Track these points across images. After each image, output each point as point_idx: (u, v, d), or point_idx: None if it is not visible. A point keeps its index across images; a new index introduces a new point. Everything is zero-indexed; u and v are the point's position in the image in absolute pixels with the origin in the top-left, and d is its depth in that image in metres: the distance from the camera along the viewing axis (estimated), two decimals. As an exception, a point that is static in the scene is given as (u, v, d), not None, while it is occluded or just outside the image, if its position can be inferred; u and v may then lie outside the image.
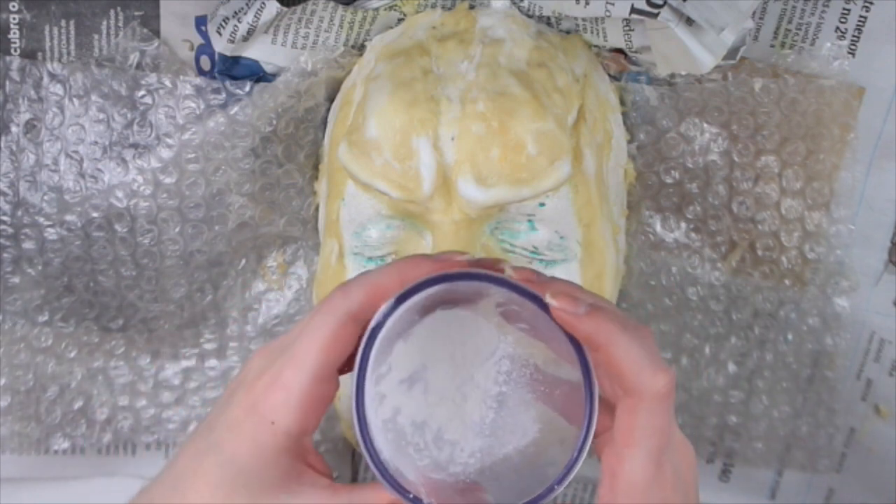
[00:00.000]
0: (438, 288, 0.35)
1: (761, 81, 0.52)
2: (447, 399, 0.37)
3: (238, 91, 0.53)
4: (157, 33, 0.53)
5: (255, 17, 0.49)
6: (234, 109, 0.52)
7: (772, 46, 0.52)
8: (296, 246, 0.58)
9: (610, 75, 0.53)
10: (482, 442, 0.37)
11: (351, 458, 0.63)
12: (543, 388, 0.37)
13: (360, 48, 0.53)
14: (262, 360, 0.38)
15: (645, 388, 0.35)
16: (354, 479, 0.64)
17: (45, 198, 0.54)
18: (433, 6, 0.51)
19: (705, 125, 0.53)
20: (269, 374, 0.37)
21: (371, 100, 0.47)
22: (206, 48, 0.53)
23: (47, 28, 0.53)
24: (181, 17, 0.53)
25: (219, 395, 0.60)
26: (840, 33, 0.51)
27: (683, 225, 0.56)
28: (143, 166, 0.54)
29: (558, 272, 0.48)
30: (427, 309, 0.37)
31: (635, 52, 0.51)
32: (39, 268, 0.55)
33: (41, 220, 0.55)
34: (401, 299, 0.35)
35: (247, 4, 0.49)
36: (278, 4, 0.48)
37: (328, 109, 0.54)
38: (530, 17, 0.51)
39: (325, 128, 0.55)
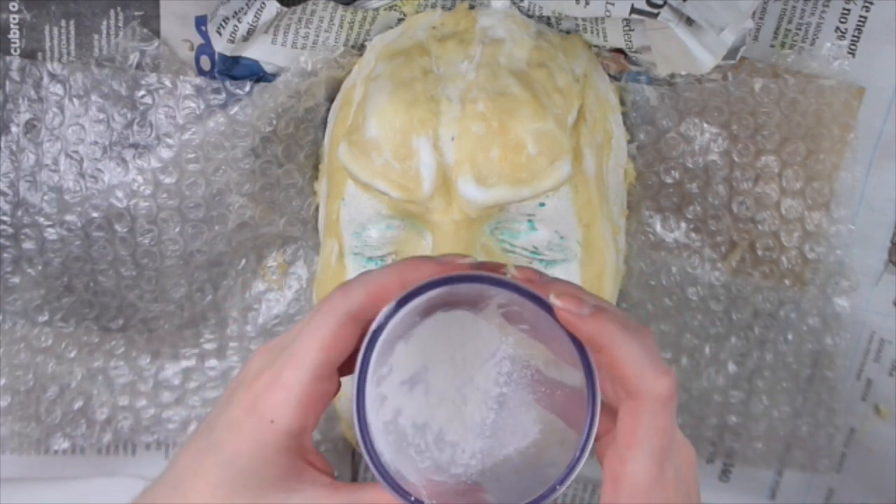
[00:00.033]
0: (440, 290, 0.35)
1: (761, 81, 0.52)
2: (448, 400, 0.37)
3: (238, 91, 0.53)
4: (157, 33, 0.53)
5: (255, 17, 0.49)
6: (234, 109, 0.52)
7: (772, 46, 0.52)
8: (296, 246, 0.58)
9: (610, 75, 0.53)
10: (483, 443, 0.37)
11: (351, 458, 0.63)
12: (544, 389, 0.37)
13: (360, 48, 0.53)
14: (262, 359, 0.38)
15: (648, 391, 0.35)
16: (354, 479, 0.64)
17: (45, 198, 0.54)
18: (433, 6, 0.51)
19: (705, 125, 0.53)
20: (269, 374, 0.37)
21: (371, 100, 0.47)
22: (206, 48, 0.53)
23: (47, 28, 0.53)
24: (181, 17, 0.53)
25: (219, 395, 0.60)
26: (840, 33, 0.51)
27: (683, 225, 0.56)
28: (143, 166, 0.54)
29: (558, 272, 0.48)
30: (428, 310, 0.37)
31: (635, 52, 0.51)
32: (39, 268, 0.55)
33: (41, 220, 0.55)
34: (402, 302, 0.35)
35: (247, 4, 0.49)
36: (278, 4, 0.48)
37: (328, 109, 0.54)
38: (530, 17, 0.51)
39: (325, 128, 0.55)
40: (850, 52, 0.52)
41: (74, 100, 0.54)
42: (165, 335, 0.58)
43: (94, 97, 0.53)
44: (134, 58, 0.53)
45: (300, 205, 0.56)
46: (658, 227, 0.56)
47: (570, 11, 0.48)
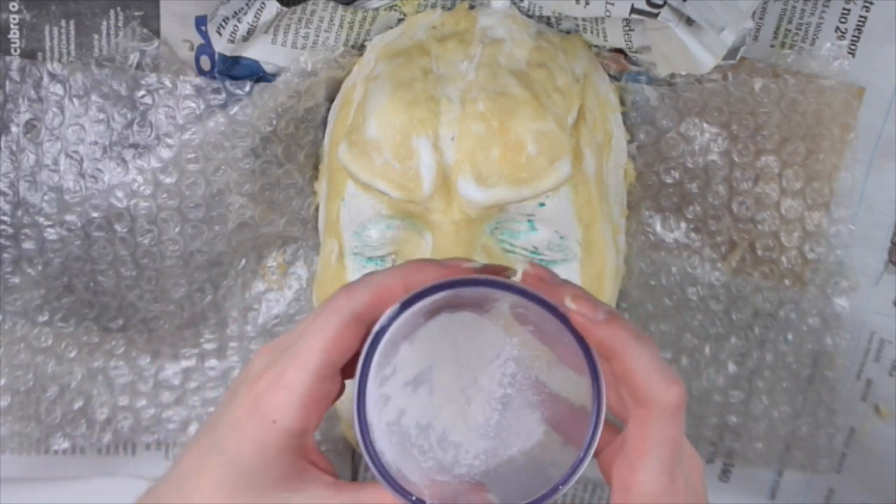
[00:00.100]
0: (444, 294, 0.35)
1: (761, 81, 0.52)
2: (452, 401, 0.37)
3: (238, 91, 0.53)
4: (157, 33, 0.53)
5: (255, 17, 0.49)
6: (234, 109, 0.52)
7: (772, 46, 0.52)
8: (296, 246, 0.58)
9: (610, 75, 0.53)
10: (487, 444, 0.37)
11: (351, 458, 0.63)
12: (548, 391, 0.37)
13: (360, 48, 0.53)
14: (265, 358, 0.38)
15: (658, 399, 0.35)
16: (354, 478, 0.64)
17: (45, 198, 0.54)
18: (433, 6, 0.51)
19: (705, 125, 0.53)
20: (272, 374, 0.37)
21: (371, 100, 0.47)
22: (206, 48, 0.53)
23: (47, 28, 0.53)
24: (181, 17, 0.53)
25: (219, 395, 0.60)
26: (840, 33, 0.51)
27: (683, 225, 0.56)
28: (143, 166, 0.54)
29: (558, 272, 0.48)
30: (433, 312, 0.37)
31: (635, 52, 0.51)
32: (39, 268, 0.55)
33: (41, 220, 0.55)
34: (406, 305, 0.35)
35: (247, 4, 0.49)
36: (278, 4, 0.48)
37: (328, 109, 0.54)
38: (530, 17, 0.51)
39: (325, 128, 0.55)
40: (850, 52, 0.52)
41: (74, 100, 0.54)
42: (165, 335, 0.58)
43: (94, 97, 0.53)
44: (134, 58, 0.53)
45: (300, 205, 0.56)
46: (658, 227, 0.56)
47: (570, 11, 0.48)
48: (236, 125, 0.53)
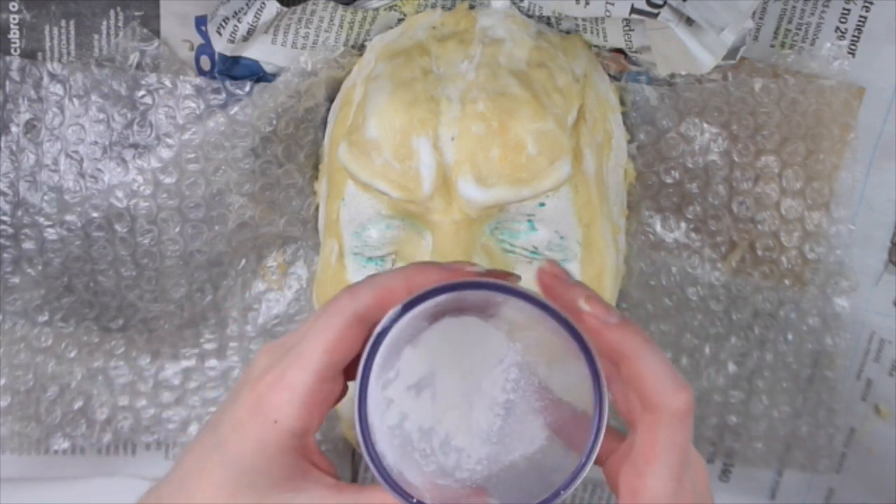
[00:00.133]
0: (447, 297, 0.35)
1: (761, 81, 0.52)
2: (455, 406, 0.37)
3: (238, 91, 0.53)
4: (157, 33, 0.53)
5: (255, 17, 0.49)
6: (234, 109, 0.52)
7: (772, 46, 0.52)
8: (296, 246, 0.58)
9: (610, 75, 0.53)
10: (489, 449, 0.37)
11: (351, 458, 0.63)
12: (552, 396, 0.37)
13: (360, 48, 0.53)
14: (267, 358, 0.38)
15: (667, 405, 0.35)
16: (354, 479, 0.64)
17: (45, 198, 0.54)
18: (433, 6, 0.51)
19: (705, 125, 0.53)
20: (274, 373, 0.37)
21: (371, 100, 0.47)
22: (206, 48, 0.53)
23: (47, 28, 0.53)
24: (181, 17, 0.53)
25: (219, 395, 0.60)
26: (840, 33, 0.51)
27: (683, 225, 0.56)
28: (143, 166, 0.54)
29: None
30: (436, 315, 0.37)
31: (635, 52, 0.51)
32: (39, 268, 0.55)
33: (41, 220, 0.55)
34: (407, 306, 0.35)
35: (247, 4, 0.49)
36: (278, 4, 0.48)
37: (328, 109, 0.54)
38: (530, 17, 0.51)
39: (325, 128, 0.55)
40: (850, 52, 0.52)
41: (74, 100, 0.54)
42: (165, 335, 0.58)
43: (94, 97, 0.53)
44: (134, 58, 0.53)
45: (300, 205, 0.56)
46: (658, 227, 0.56)
47: (570, 11, 0.48)
48: (236, 125, 0.53)
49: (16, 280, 0.56)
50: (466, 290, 0.35)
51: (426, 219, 0.47)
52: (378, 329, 0.35)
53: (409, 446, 0.37)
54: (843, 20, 0.51)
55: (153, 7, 0.53)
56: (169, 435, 0.61)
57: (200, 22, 0.52)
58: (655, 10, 0.44)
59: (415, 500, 0.34)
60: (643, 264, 0.56)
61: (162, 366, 0.59)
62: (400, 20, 0.52)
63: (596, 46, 0.52)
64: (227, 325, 0.59)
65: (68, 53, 0.53)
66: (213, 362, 0.60)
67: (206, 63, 0.53)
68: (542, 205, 0.47)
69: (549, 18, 0.51)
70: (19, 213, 0.55)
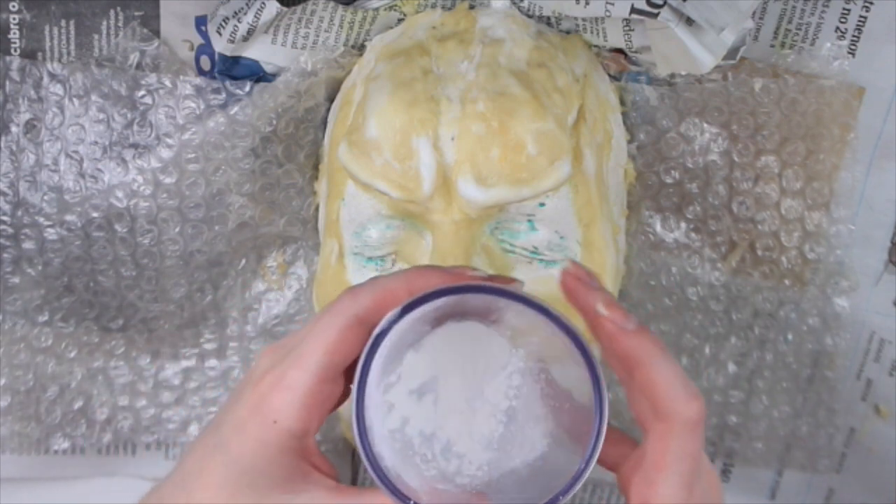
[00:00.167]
0: (446, 300, 0.35)
1: (761, 81, 0.52)
2: (457, 412, 0.37)
3: (238, 91, 0.53)
4: (157, 33, 0.53)
5: (255, 17, 0.49)
6: (234, 109, 0.52)
7: (772, 46, 0.52)
8: (296, 246, 0.58)
9: (610, 75, 0.53)
10: (490, 455, 0.37)
11: (351, 459, 0.63)
12: (553, 403, 0.37)
13: (360, 48, 0.53)
14: (269, 359, 0.38)
15: (678, 414, 0.35)
16: (354, 479, 0.64)
17: (45, 198, 0.54)
18: (433, 6, 0.51)
19: (705, 125, 0.53)
20: (275, 374, 0.37)
21: (371, 100, 0.47)
22: (206, 48, 0.53)
23: (47, 28, 0.53)
24: (181, 17, 0.53)
25: (219, 395, 0.60)
26: (840, 33, 0.51)
27: (683, 225, 0.56)
28: (143, 166, 0.54)
29: (558, 272, 0.48)
30: (439, 320, 0.37)
31: (635, 52, 0.51)
32: (39, 268, 0.55)
33: (41, 220, 0.55)
34: (407, 309, 0.35)
35: (247, 4, 0.49)
36: (278, 4, 0.48)
37: (328, 109, 0.54)
38: (530, 17, 0.51)
39: (325, 128, 0.55)
40: (850, 52, 0.52)
41: (74, 100, 0.54)
42: (165, 335, 0.58)
43: (94, 97, 0.53)
44: (134, 58, 0.53)
45: (300, 205, 0.56)
46: (658, 227, 0.56)
47: (570, 11, 0.48)
48: (236, 125, 0.53)
49: (16, 280, 0.56)
50: (466, 293, 0.35)
51: (426, 219, 0.47)
52: (377, 331, 0.35)
53: (410, 451, 0.37)
54: (843, 20, 0.51)
55: (153, 7, 0.53)
56: (169, 435, 0.61)
57: (200, 22, 0.52)
58: (655, 10, 0.44)
59: (411, 502, 0.34)
60: (643, 264, 0.56)
61: (162, 366, 0.59)
62: (400, 20, 0.52)
63: (596, 46, 0.52)
64: (227, 325, 0.59)
65: (68, 53, 0.53)
66: (213, 362, 0.60)
67: (206, 63, 0.53)
68: (542, 205, 0.47)
69: (549, 18, 0.51)
70: (19, 213, 0.55)
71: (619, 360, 0.36)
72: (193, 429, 0.61)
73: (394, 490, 0.34)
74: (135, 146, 0.54)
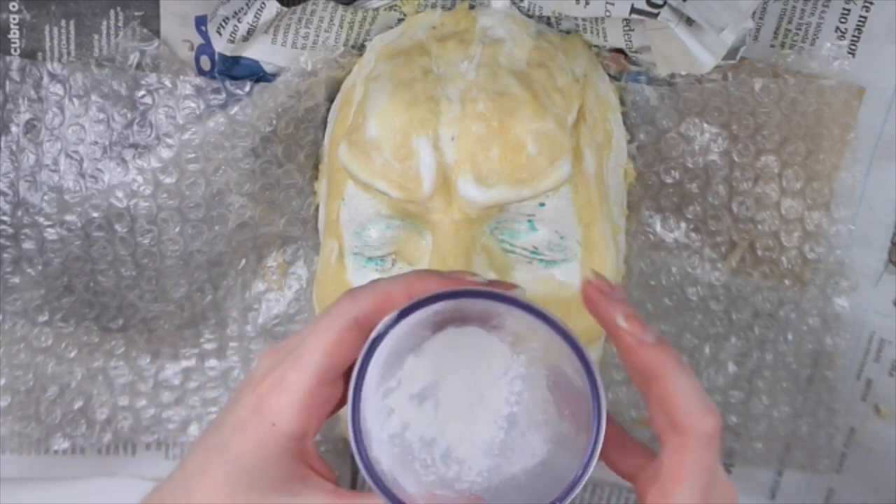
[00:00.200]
0: (445, 304, 0.35)
1: (761, 81, 0.52)
2: (458, 417, 0.37)
3: (238, 91, 0.53)
4: (157, 33, 0.53)
5: (255, 17, 0.49)
6: (234, 109, 0.52)
7: (772, 46, 0.52)
8: (296, 246, 0.58)
9: (610, 75, 0.53)
10: (491, 461, 0.37)
11: (351, 460, 0.63)
12: (554, 409, 0.37)
13: (360, 48, 0.53)
14: (269, 361, 0.38)
15: (695, 428, 0.35)
16: (354, 479, 0.64)
17: (45, 198, 0.54)
18: (433, 6, 0.51)
19: (705, 125, 0.53)
20: (274, 376, 0.37)
21: (371, 100, 0.47)
22: (206, 48, 0.53)
23: (47, 28, 0.53)
24: (181, 17, 0.53)
25: (219, 395, 0.60)
26: (840, 33, 0.51)
27: (683, 225, 0.56)
28: (143, 166, 0.54)
29: (558, 272, 0.48)
30: (440, 325, 0.37)
31: (635, 52, 0.51)
32: (39, 268, 0.55)
33: (41, 220, 0.55)
34: (404, 313, 0.35)
35: (247, 4, 0.49)
36: (278, 4, 0.48)
37: (328, 109, 0.54)
38: (530, 17, 0.51)
39: (325, 128, 0.55)
40: (850, 52, 0.52)
41: (74, 100, 0.54)
42: (165, 335, 0.58)
43: (94, 97, 0.53)
44: (134, 58, 0.53)
45: (300, 205, 0.56)
46: (658, 227, 0.56)
47: (570, 11, 0.48)
48: (236, 125, 0.53)
49: (16, 280, 0.56)
50: (464, 298, 0.35)
51: (426, 219, 0.47)
52: (373, 335, 0.35)
53: (410, 456, 0.37)
54: (843, 20, 0.51)
55: (153, 7, 0.53)
56: (169, 435, 0.61)
57: (200, 22, 0.52)
58: (655, 10, 0.44)
59: None
60: (643, 264, 0.56)
61: (162, 366, 0.59)
62: (400, 20, 0.52)
63: (596, 46, 0.52)
64: (227, 325, 0.59)
65: (68, 53, 0.53)
66: (213, 362, 0.60)
67: (206, 63, 0.53)
68: (542, 205, 0.47)
69: (549, 18, 0.51)
70: (19, 213, 0.55)
71: (638, 372, 0.37)
72: (193, 429, 0.61)
73: (389, 495, 0.34)
74: (135, 146, 0.54)
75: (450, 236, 0.46)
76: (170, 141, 0.53)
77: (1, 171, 0.54)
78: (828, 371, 0.58)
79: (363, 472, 0.35)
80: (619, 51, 0.52)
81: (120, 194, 0.54)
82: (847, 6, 0.51)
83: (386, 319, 0.35)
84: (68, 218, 0.54)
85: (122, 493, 0.61)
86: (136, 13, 0.53)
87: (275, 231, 0.56)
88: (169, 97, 0.53)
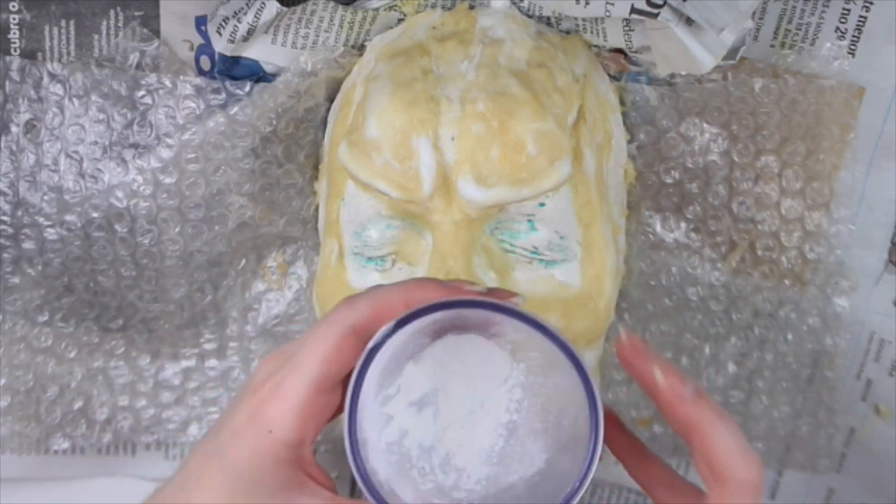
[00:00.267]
0: (443, 314, 0.35)
1: (761, 81, 0.52)
2: (457, 425, 0.37)
3: (238, 91, 0.53)
4: (157, 33, 0.53)
5: (255, 17, 0.49)
6: (234, 109, 0.52)
7: (772, 46, 0.52)
8: (296, 246, 0.58)
9: (610, 75, 0.53)
10: (490, 470, 0.37)
11: (351, 459, 0.63)
12: (553, 418, 0.37)
13: (360, 48, 0.53)
14: (268, 367, 0.38)
15: (739, 477, 0.36)
16: (353, 482, 0.64)
17: (45, 198, 0.54)
18: (433, 6, 0.51)
19: (705, 125, 0.53)
20: (272, 382, 0.37)
21: (371, 100, 0.47)
22: (206, 48, 0.53)
23: (47, 28, 0.53)
24: (181, 17, 0.53)
25: (219, 395, 0.60)
26: (840, 33, 0.51)
27: (683, 225, 0.56)
28: (143, 166, 0.54)
29: (558, 272, 0.48)
30: (439, 332, 0.37)
31: (635, 52, 0.51)
32: (39, 268, 0.55)
33: (41, 220, 0.55)
34: (401, 323, 0.35)
35: (247, 4, 0.49)
36: (278, 4, 0.48)
37: (328, 109, 0.54)
38: (530, 17, 0.51)
39: (325, 128, 0.55)
40: (850, 52, 0.52)
41: (74, 100, 0.54)
42: (165, 335, 0.58)
43: (94, 97, 0.53)
44: (134, 58, 0.53)
45: (300, 205, 0.56)
46: (658, 227, 0.56)
47: (570, 11, 0.48)
48: (236, 125, 0.53)
49: (16, 280, 0.56)
50: (461, 308, 0.35)
51: (426, 219, 0.47)
52: (370, 345, 0.35)
53: (408, 463, 0.37)
54: (843, 20, 0.51)
55: (153, 7, 0.53)
56: (169, 435, 0.61)
57: (200, 22, 0.52)
58: (655, 10, 0.44)
59: None
60: (643, 264, 0.56)
61: (162, 366, 0.59)
62: (400, 20, 0.52)
63: (596, 46, 0.52)
64: (227, 325, 0.59)
65: (68, 53, 0.53)
66: (213, 362, 0.60)
67: (206, 63, 0.53)
68: (542, 205, 0.47)
69: (549, 18, 0.51)
70: (19, 213, 0.55)
71: (678, 425, 0.38)
72: (193, 429, 0.61)
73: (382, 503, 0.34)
74: (135, 146, 0.54)
75: (450, 236, 0.46)
76: (170, 141, 0.53)
77: (1, 171, 0.54)
78: (828, 371, 0.58)
79: (360, 483, 0.35)
80: (619, 51, 0.52)
81: (120, 194, 0.54)
82: (847, 6, 0.51)
83: (383, 329, 0.35)
84: (68, 218, 0.54)
85: (122, 493, 0.61)
86: (136, 13, 0.53)
87: (275, 231, 0.56)
88: (169, 97, 0.53)
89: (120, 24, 0.53)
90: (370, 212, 0.48)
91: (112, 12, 0.53)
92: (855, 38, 0.51)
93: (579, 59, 0.50)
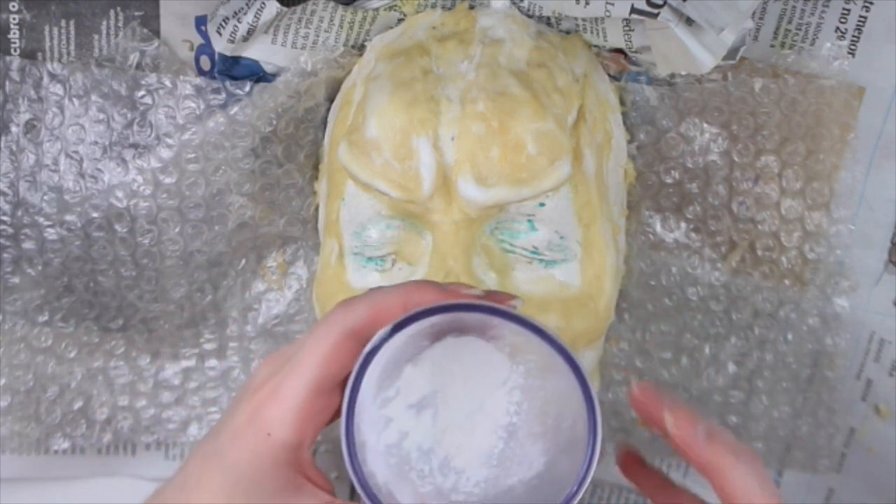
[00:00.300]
0: (440, 317, 0.35)
1: (761, 81, 0.52)
2: (457, 427, 0.37)
3: (238, 91, 0.53)
4: (157, 33, 0.53)
5: (255, 17, 0.49)
6: (234, 109, 0.52)
7: (772, 46, 0.52)
8: (296, 246, 0.58)
9: (610, 75, 0.53)
10: (489, 472, 0.37)
11: (351, 459, 0.63)
12: (552, 421, 0.37)
13: (360, 48, 0.53)
14: (268, 368, 0.38)
15: None
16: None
17: (45, 198, 0.54)
18: (433, 6, 0.51)
19: (705, 125, 0.53)
20: (271, 384, 0.37)
21: (371, 100, 0.47)
22: (206, 48, 0.53)
23: (47, 28, 0.53)
24: (181, 17, 0.53)
25: (219, 395, 0.60)
26: (840, 33, 0.51)
27: (683, 225, 0.56)
28: (143, 166, 0.54)
29: (558, 272, 0.48)
30: (438, 335, 0.37)
31: (635, 52, 0.51)
32: (39, 268, 0.55)
33: (41, 220, 0.55)
34: (398, 327, 0.35)
35: (247, 4, 0.49)
36: (278, 4, 0.48)
37: (328, 109, 0.54)
38: (530, 17, 0.51)
39: (325, 128, 0.55)
40: (850, 52, 0.52)
41: (74, 100, 0.54)
42: (165, 335, 0.58)
43: (94, 97, 0.53)
44: (134, 58, 0.53)
45: (300, 205, 0.56)
46: (658, 227, 0.56)
47: (570, 11, 0.48)
48: (236, 125, 0.53)
49: (16, 280, 0.56)
50: (459, 311, 0.35)
51: (426, 219, 0.47)
52: (367, 348, 0.35)
53: (407, 466, 0.37)
54: (843, 20, 0.51)
55: (153, 7, 0.53)
56: (169, 435, 0.61)
57: (200, 22, 0.52)
58: (655, 10, 0.44)
59: None
60: (643, 264, 0.56)
61: (162, 366, 0.59)
62: (400, 20, 0.52)
63: (596, 46, 0.52)
64: (227, 325, 0.59)
65: (68, 53, 0.53)
66: (213, 362, 0.60)
67: (206, 63, 0.53)
68: (542, 205, 0.47)
69: (549, 18, 0.51)
70: (19, 213, 0.55)
71: (695, 466, 0.39)
72: (193, 429, 0.61)
73: None
74: (135, 146, 0.54)
75: (450, 236, 0.46)
76: (170, 141, 0.53)
77: (1, 171, 0.54)
78: (828, 371, 0.58)
79: (358, 488, 0.35)
80: (619, 51, 0.52)
81: (120, 194, 0.54)
82: (847, 6, 0.51)
83: (380, 332, 0.35)
84: (68, 218, 0.54)
85: (122, 493, 0.61)
86: (136, 13, 0.53)
87: (275, 231, 0.56)
88: (169, 97, 0.53)
89: (120, 24, 0.53)
90: (370, 212, 0.48)
91: (112, 12, 0.53)
92: (855, 38, 0.51)
93: (579, 59, 0.50)
